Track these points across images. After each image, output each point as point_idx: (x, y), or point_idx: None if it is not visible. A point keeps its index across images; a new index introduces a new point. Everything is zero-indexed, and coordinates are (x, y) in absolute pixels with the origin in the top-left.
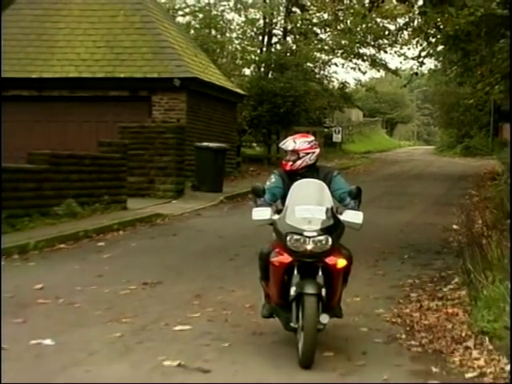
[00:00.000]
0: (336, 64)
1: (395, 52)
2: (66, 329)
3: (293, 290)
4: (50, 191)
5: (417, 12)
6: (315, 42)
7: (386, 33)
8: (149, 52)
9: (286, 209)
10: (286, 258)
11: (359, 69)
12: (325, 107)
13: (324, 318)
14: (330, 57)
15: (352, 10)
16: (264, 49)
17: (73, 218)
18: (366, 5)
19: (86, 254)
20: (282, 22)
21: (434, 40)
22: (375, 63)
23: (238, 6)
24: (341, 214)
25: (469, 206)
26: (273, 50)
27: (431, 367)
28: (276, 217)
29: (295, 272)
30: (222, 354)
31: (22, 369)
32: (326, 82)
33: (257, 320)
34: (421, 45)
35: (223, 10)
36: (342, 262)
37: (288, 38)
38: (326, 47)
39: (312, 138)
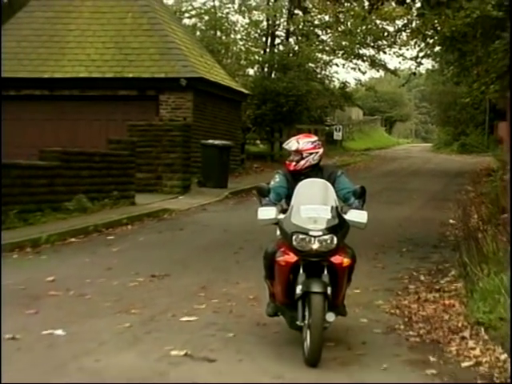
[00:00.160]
0: (337, 64)
1: (394, 53)
2: (77, 320)
3: (299, 289)
4: (62, 187)
5: (415, 14)
6: (317, 43)
7: (385, 34)
8: (156, 53)
9: (291, 208)
10: (292, 258)
11: (359, 69)
12: (326, 106)
13: (330, 317)
14: (331, 57)
15: (352, 12)
16: (267, 50)
17: (83, 213)
18: (366, 7)
19: (96, 248)
20: (285, 23)
21: (431, 41)
22: (375, 63)
23: (243, 8)
24: (345, 213)
25: (465, 202)
26: (276, 50)
27: (429, 357)
28: (281, 216)
29: (301, 271)
30: (226, 343)
31: (34, 358)
32: (327, 81)
33: (260, 311)
34: (419, 46)
35: (228, 13)
36: (347, 261)
37: (290, 40)
38: (327, 48)
39: (315, 138)
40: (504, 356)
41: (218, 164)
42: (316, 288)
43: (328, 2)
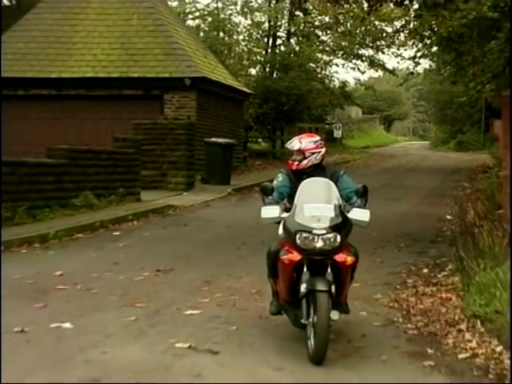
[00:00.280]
0: (337, 64)
1: (392, 53)
2: (84, 313)
3: (303, 287)
4: (69, 184)
5: (412, 15)
6: (317, 43)
7: (384, 35)
8: (161, 53)
9: (294, 207)
10: (296, 256)
11: (358, 69)
12: (326, 105)
13: (334, 315)
14: (331, 57)
15: (352, 14)
16: (269, 50)
17: (90, 209)
18: (365, 8)
19: (103, 243)
20: (286, 24)
21: (428, 41)
22: (373, 63)
23: (245, 9)
24: (348, 211)
25: (462, 198)
26: (277, 51)
27: (426, 349)
28: (284, 215)
29: (305, 269)
30: (229, 336)
31: (42, 350)
32: (327, 81)
33: (263, 305)
34: (416, 46)
35: (231, 14)
36: (350, 259)
37: (291, 40)
38: (327, 48)
39: (318, 137)
40: (500, 348)
41: (221, 161)
42: (321, 286)
43: (328, 4)
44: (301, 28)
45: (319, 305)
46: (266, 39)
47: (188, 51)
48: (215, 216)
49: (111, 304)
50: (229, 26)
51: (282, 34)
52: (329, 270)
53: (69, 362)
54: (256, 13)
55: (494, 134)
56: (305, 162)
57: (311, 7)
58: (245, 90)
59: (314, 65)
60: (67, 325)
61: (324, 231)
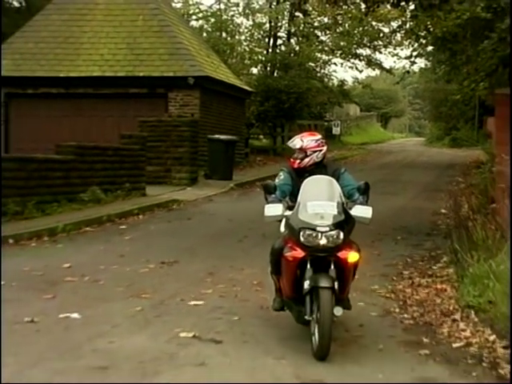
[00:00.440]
0: (335, 63)
1: (389, 52)
2: (92, 304)
3: (306, 284)
4: (77, 179)
5: (409, 16)
6: (316, 43)
7: (381, 35)
8: (165, 53)
9: (298, 205)
10: (300, 253)
11: (356, 68)
12: (325, 103)
13: (338, 311)
14: (330, 57)
15: (350, 15)
16: (270, 50)
17: (97, 204)
18: (363, 9)
19: (109, 237)
20: (286, 25)
21: (424, 41)
22: (371, 63)
23: (247, 11)
24: (350, 209)
25: (456, 192)
26: (278, 51)
27: (422, 338)
28: (287, 213)
29: (308, 266)
30: (232, 326)
31: (51, 340)
32: (326, 79)
33: (264, 296)
34: (412, 46)
35: (233, 15)
36: (353, 256)
37: (292, 40)
38: (326, 48)
39: (319, 136)
40: (493, 337)
41: (223, 157)
42: (324, 283)
43: (327, 5)
44: (300, 28)
45: (322, 301)
46: (266, 39)
47: (192, 51)
48: (218, 210)
49: (118, 295)
50: (231, 26)
51: (282, 34)
52: (332, 267)
53: (77, 351)
54: (257, 14)
55: (487, 130)
56: (306, 160)
57: (311, 8)
58: (246, 88)
59: (313, 64)
60: (75, 315)
61: (327, 228)
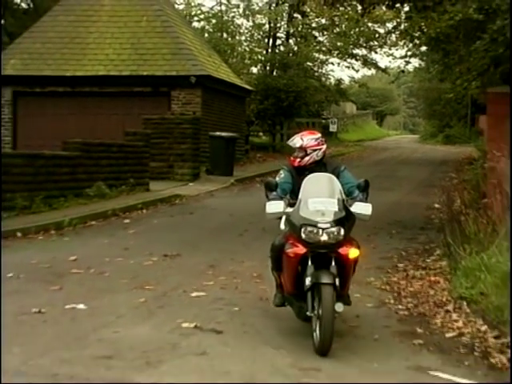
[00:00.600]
0: (332, 63)
1: (384, 52)
2: (97, 295)
3: (308, 281)
4: (83, 175)
5: (403, 17)
6: (314, 43)
7: (377, 35)
8: (168, 53)
9: (299, 202)
10: (301, 249)
11: (353, 67)
12: (322, 101)
13: (339, 307)
14: (327, 57)
15: (346, 16)
16: (269, 50)
17: (102, 199)
18: (359, 11)
19: (114, 230)
20: (285, 26)
21: (418, 42)
22: (367, 62)
23: (247, 12)
24: (350, 206)
25: (449, 188)
26: (277, 51)
27: (416, 328)
28: (288, 210)
29: (309, 263)
30: (232, 317)
31: (58, 330)
32: (323, 79)
33: (263, 287)
34: (407, 46)
35: (233, 16)
36: (354, 252)
37: (290, 41)
38: (324, 48)
39: (319, 135)
40: (484, 327)
41: (224, 154)
42: (325, 279)
43: (324, 7)
44: (299, 29)
45: (324, 297)
46: (266, 40)
47: (194, 51)
48: (219, 205)
49: (122, 287)
50: (232, 27)
51: (281, 34)
52: (333, 263)
53: (83, 341)
54: (257, 15)
55: (479, 128)
56: (307, 158)
57: (309, 10)
58: (247, 87)
59: (311, 64)
60: (81, 306)
61: (328, 225)
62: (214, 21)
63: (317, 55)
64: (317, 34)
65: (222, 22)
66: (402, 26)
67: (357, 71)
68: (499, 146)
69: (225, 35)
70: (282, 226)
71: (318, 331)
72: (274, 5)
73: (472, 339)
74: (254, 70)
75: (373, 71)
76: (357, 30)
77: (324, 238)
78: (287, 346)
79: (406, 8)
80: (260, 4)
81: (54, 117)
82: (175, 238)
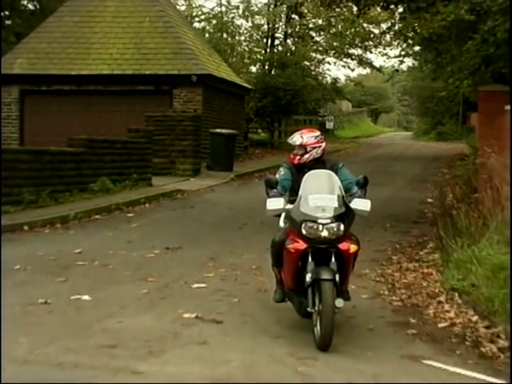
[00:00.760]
0: (329, 62)
1: (379, 52)
2: (101, 286)
3: (308, 277)
4: (87, 170)
5: (397, 18)
6: (311, 43)
7: (372, 36)
8: (170, 52)
9: (299, 198)
10: (301, 245)
11: (348, 66)
12: (319, 99)
13: (339, 303)
14: (324, 56)
15: (342, 17)
16: (268, 50)
17: (106, 193)
18: (355, 12)
19: (118, 224)
20: (283, 26)
21: (411, 42)
22: (362, 62)
23: (246, 13)
24: (349, 202)
25: (441, 183)
26: (275, 50)
27: (409, 318)
28: (288, 206)
29: (310, 259)
30: (232, 307)
31: (64, 320)
32: (320, 77)
33: (262, 279)
34: (401, 46)
35: (233, 17)
36: (353, 248)
37: (288, 41)
38: (320, 48)
39: (318, 132)
40: (475, 318)
41: (224, 150)
42: (325, 275)
43: (321, 8)
44: (296, 30)
45: (324, 293)
46: (265, 40)
47: (195, 51)
48: (219, 199)
49: (125, 278)
50: (231, 28)
51: (279, 35)
52: (333, 260)
53: (87, 331)
54: (256, 16)
55: (470, 125)
56: (306, 156)
57: (306, 11)
58: (246, 85)
59: (308, 63)
60: (86, 297)
61: (328, 220)
62: (214, 21)
63: (314, 55)
64: (314, 34)
65: (222, 23)
66: (396, 27)
67: (352, 70)
68: (490, 142)
69: (225, 35)
70: (282, 224)
71: (318, 327)
72: (272, 6)
73: (463, 329)
74: (253, 69)
75: (368, 70)
76: (352, 30)
77: (324, 233)
78: (285, 335)
79: (400, 9)
80: (259, 5)
81: (60, 114)
82: (177, 231)
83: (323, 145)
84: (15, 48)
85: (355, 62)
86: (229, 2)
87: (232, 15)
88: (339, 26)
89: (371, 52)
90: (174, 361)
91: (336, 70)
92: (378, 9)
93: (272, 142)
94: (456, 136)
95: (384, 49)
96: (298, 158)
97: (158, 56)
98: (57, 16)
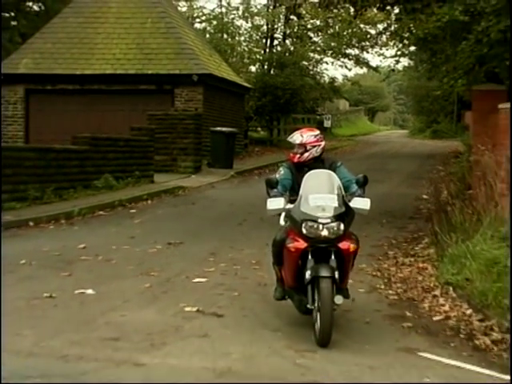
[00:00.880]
0: (326, 62)
1: (375, 52)
2: (105, 281)
3: (308, 274)
4: (91, 168)
5: (393, 19)
6: (309, 44)
7: (368, 36)
8: (172, 52)
9: (300, 198)
10: (302, 244)
11: (346, 66)
12: (317, 98)
13: (338, 300)
14: (322, 56)
15: (340, 18)
16: (267, 50)
17: (109, 190)
18: (352, 13)
19: (121, 220)
20: (282, 27)
21: (407, 42)
22: (359, 61)
23: (246, 14)
24: (349, 201)
25: (436, 180)
26: (274, 50)
27: (405, 312)
28: (289, 206)
29: (309, 257)
30: (232, 301)
31: (68, 313)
32: (318, 77)
33: (261, 274)
34: (397, 46)
35: (233, 18)
36: (353, 247)
37: (287, 41)
38: (318, 48)
39: (318, 131)
40: (469, 311)
41: (224, 148)
42: (324, 272)
43: (319, 9)
44: (295, 30)
45: (323, 290)
46: (264, 40)
47: (196, 51)
48: (220, 196)
49: (128, 273)
50: (231, 28)
51: (278, 35)
52: (332, 257)
53: (91, 324)
54: (255, 17)
55: (464, 123)
56: (306, 154)
57: (304, 12)
58: (246, 85)
59: (306, 63)
60: (90, 291)
61: (328, 220)
62: (214, 22)
63: (312, 55)
64: (312, 34)
65: (222, 24)
66: (392, 28)
67: (349, 70)
68: (483, 140)
69: (225, 36)
70: (282, 222)
71: (318, 323)
72: (271, 7)
73: (458, 322)
74: (253, 68)
75: (365, 70)
76: (349, 30)
77: (324, 232)
78: (284, 328)
79: (396, 10)
80: (258, 6)
81: (64, 113)
82: (178, 227)
83: (322, 144)
84: (21, 48)
85: (352, 61)
86: (229, 4)
87: (232, 16)
88: (337, 27)
89: (368, 52)
90: (176, 353)
91: (333, 70)
92: (375, 10)
93: (271, 139)
94: (451, 134)
95: (380, 49)
96: (298, 156)
97: (160, 56)
98: (61, 17)
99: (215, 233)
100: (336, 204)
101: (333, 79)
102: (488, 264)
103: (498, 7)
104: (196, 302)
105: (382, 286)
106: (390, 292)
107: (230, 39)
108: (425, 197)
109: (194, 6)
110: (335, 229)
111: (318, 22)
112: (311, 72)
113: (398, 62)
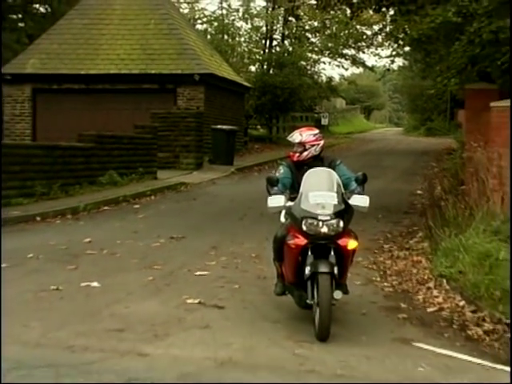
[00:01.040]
0: (324, 62)
1: (371, 52)
2: (109, 274)
3: (307, 270)
4: (96, 164)
5: (389, 20)
6: (307, 44)
7: (364, 37)
8: (174, 53)
9: (300, 195)
10: (302, 241)
11: (342, 66)
12: (315, 97)
13: (337, 295)
14: (319, 56)
15: (337, 19)
16: (266, 50)
17: (114, 186)
18: (348, 14)
19: (125, 215)
20: (281, 28)
21: (402, 42)
22: (355, 61)
23: (246, 15)
24: (349, 198)
25: (430, 176)
26: (273, 51)
27: (400, 303)
28: (289, 203)
29: (309, 253)
30: (233, 293)
31: (74, 305)
32: (316, 76)
33: (261, 267)
34: (392, 46)
35: (234, 19)
36: (352, 244)
37: (285, 42)
38: (316, 49)
39: (317, 131)
40: (462, 303)
41: (225, 145)
42: (323, 268)
43: (317, 11)
44: (293, 31)
45: (322, 286)
46: (263, 41)
47: (197, 51)
48: (220, 192)
49: (132, 266)
50: (232, 29)
51: (277, 36)
52: (332, 253)
53: (97, 316)
54: (255, 18)
55: (457, 121)
56: (305, 153)
57: (302, 13)
58: (246, 84)
59: (304, 63)
60: (95, 284)
61: (328, 217)
62: (215, 23)
63: (310, 55)
64: (310, 35)
65: (223, 25)
66: (388, 28)
67: (346, 69)
68: (476, 137)
69: (225, 37)
70: (282, 219)
71: (317, 318)
72: (270, 9)
73: (451, 313)
74: (253, 68)
75: (361, 69)
76: (346, 31)
77: (324, 229)
78: (283, 320)
79: (391, 12)
80: (258, 8)
81: (70, 111)
82: (181, 221)
83: (321, 142)
84: (28, 49)
85: (349, 61)
86: (229, 6)
87: (232, 18)
88: (334, 28)
89: (364, 52)
90: (178, 344)
91: (331, 70)
92: (371, 11)
93: (270, 137)
94: (444, 131)
95: (376, 49)
96: (298, 155)
97: (163, 56)
98: (67, 19)
99: (216, 227)
100: (335, 201)
101: (330, 78)
102: (480, 257)
103: (489, 9)
104: (198, 294)
105: (378, 279)
106: (386, 284)
107: (230, 40)
108: (419, 192)
109: (196, 8)
110: (335, 226)
111: (315, 24)
112: (309, 72)
113: (393, 61)
